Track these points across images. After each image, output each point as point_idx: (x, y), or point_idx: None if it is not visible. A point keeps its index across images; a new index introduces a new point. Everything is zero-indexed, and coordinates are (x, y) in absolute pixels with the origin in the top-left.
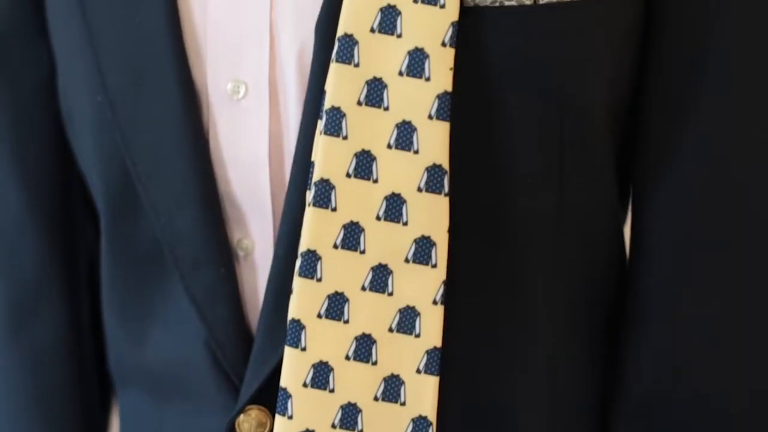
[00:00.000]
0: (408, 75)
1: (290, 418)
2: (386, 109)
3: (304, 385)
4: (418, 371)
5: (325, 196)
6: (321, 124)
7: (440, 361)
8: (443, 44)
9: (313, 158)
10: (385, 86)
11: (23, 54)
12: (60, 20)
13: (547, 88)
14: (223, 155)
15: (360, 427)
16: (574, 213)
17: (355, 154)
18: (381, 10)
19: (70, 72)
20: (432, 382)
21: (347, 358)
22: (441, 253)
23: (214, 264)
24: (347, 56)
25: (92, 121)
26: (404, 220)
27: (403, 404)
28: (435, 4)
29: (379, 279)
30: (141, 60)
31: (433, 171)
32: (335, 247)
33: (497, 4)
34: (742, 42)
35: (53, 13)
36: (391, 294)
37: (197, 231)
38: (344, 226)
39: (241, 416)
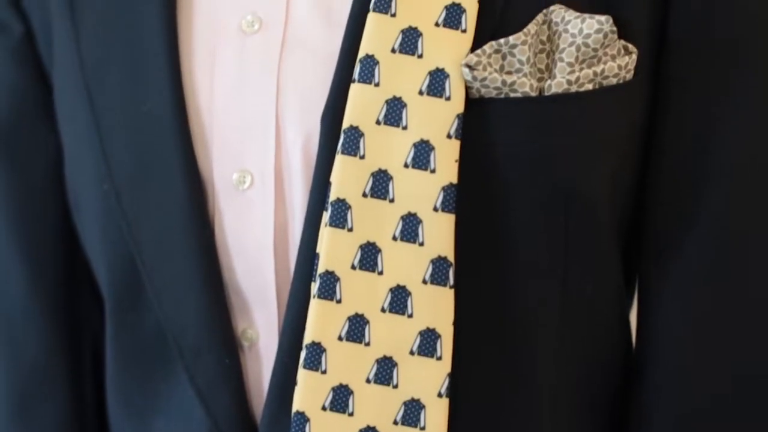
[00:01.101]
0: (413, 167)
1: None
2: (392, 200)
3: None
4: None
5: (330, 287)
6: (326, 216)
7: None
8: (449, 136)
9: (318, 249)
10: (391, 178)
11: (31, 140)
12: (67, 107)
13: (551, 179)
14: (228, 244)
15: None
16: (578, 302)
17: (361, 246)
18: (387, 102)
19: (77, 159)
20: None
21: None
22: (446, 345)
23: (218, 354)
24: (353, 148)
25: (98, 208)
26: (409, 312)
27: None
28: (440, 96)
29: (384, 371)
30: (147, 149)
31: (439, 263)
32: (340, 339)
33: (502, 96)
34: (743, 136)
35: (61, 100)
36: (396, 386)
37: (201, 321)
38: (349, 318)
39: None
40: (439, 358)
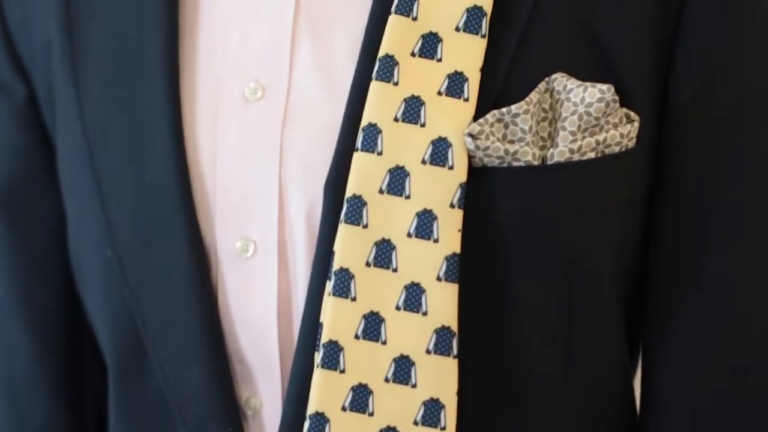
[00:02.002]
0: (417, 236)
1: None
2: (395, 270)
3: None
4: None
5: (333, 357)
6: (330, 285)
7: None
8: (452, 205)
9: (321, 319)
10: (394, 248)
11: (34, 204)
12: (70, 173)
13: (555, 248)
14: (232, 313)
15: None
16: (582, 371)
17: (364, 316)
18: (390, 171)
19: (80, 225)
20: None
21: None
22: (450, 416)
23: (221, 423)
24: (356, 217)
25: (101, 275)
26: (413, 382)
27: None
28: (443, 166)
29: None
30: (150, 216)
31: (442, 333)
32: (344, 409)
33: (505, 165)
34: (744, 202)
35: (64, 165)
36: None
37: (205, 389)
38: (353, 389)
39: None
40: (443, 429)
